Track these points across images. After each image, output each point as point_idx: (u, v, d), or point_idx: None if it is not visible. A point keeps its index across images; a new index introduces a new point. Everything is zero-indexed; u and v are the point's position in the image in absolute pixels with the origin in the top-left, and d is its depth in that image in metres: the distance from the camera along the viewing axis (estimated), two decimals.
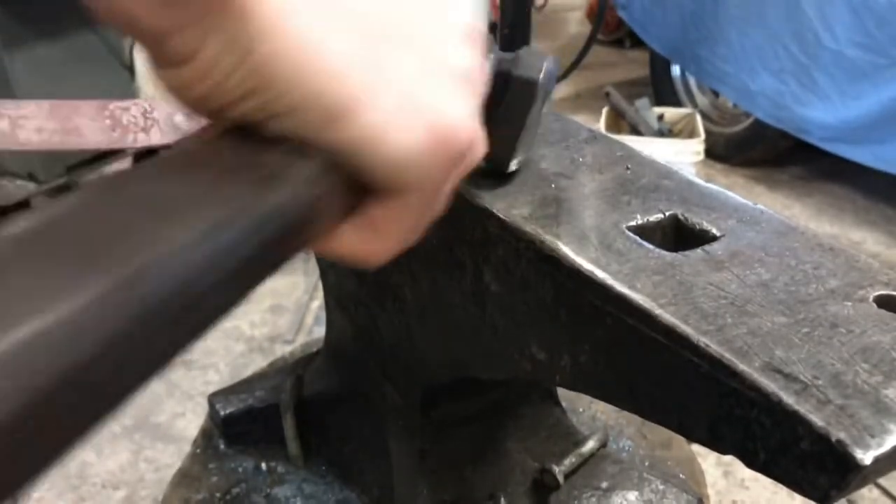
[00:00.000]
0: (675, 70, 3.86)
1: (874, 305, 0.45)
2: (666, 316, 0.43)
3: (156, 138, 0.61)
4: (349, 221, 0.38)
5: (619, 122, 3.32)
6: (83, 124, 0.58)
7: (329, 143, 0.34)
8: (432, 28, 0.38)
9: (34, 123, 0.55)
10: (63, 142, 0.58)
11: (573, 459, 0.85)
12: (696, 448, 1.11)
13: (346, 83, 0.33)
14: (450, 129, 0.36)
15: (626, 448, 0.97)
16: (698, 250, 0.50)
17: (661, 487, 0.86)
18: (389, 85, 0.35)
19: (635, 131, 3.25)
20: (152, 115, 0.60)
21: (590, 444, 0.87)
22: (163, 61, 0.33)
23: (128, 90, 2.95)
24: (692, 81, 3.82)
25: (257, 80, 0.32)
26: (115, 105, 0.60)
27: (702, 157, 2.95)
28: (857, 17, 2.73)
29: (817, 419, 0.36)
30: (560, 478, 0.81)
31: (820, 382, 0.38)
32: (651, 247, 0.50)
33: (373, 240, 0.39)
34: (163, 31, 0.32)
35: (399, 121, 0.35)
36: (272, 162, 0.32)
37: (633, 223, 0.53)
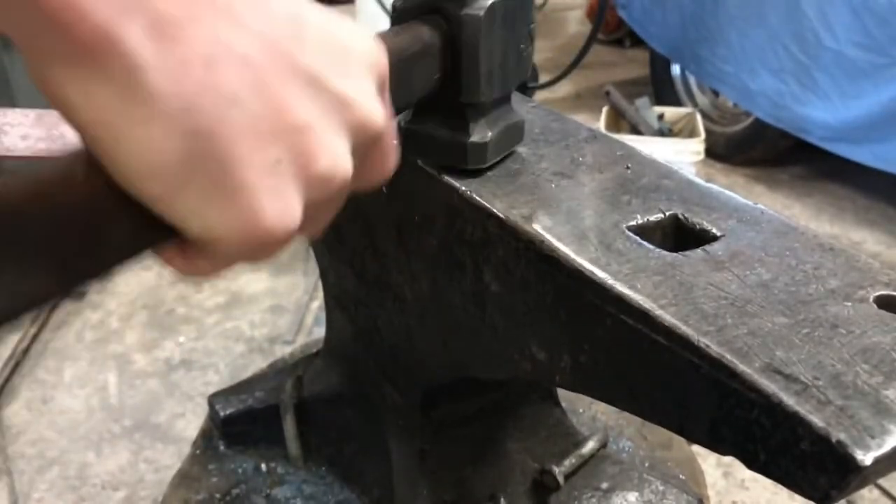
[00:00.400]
0: (675, 69, 3.86)
1: (874, 306, 0.45)
2: (666, 316, 0.43)
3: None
4: (169, 246, 0.38)
5: (620, 121, 3.31)
6: (69, 133, 0.57)
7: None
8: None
9: (19, 131, 0.55)
10: (48, 150, 0.57)
11: (573, 460, 0.85)
12: (697, 449, 1.11)
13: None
14: (263, 232, 0.36)
15: (627, 449, 0.97)
16: (698, 250, 0.50)
17: (661, 488, 0.86)
18: (232, 193, 0.34)
19: (635, 131, 3.25)
20: None
21: (590, 445, 0.87)
22: None
23: None
24: (692, 81, 3.82)
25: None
26: None
27: (702, 156, 2.95)
28: (857, 16, 2.73)
29: (817, 420, 0.36)
30: (560, 478, 0.81)
31: (820, 383, 0.38)
32: (651, 247, 0.50)
33: (183, 262, 0.39)
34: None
35: (223, 210, 0.35)
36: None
37: (633, 223, 0.53)
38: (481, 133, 0.58)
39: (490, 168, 0.60)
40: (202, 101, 0.32)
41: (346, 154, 0.38)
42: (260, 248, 0.37)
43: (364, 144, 0.40)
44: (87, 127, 0.32)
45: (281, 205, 0.36)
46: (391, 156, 0.44)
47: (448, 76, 0.55)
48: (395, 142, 0.44)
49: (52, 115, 0.56)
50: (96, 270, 0.35)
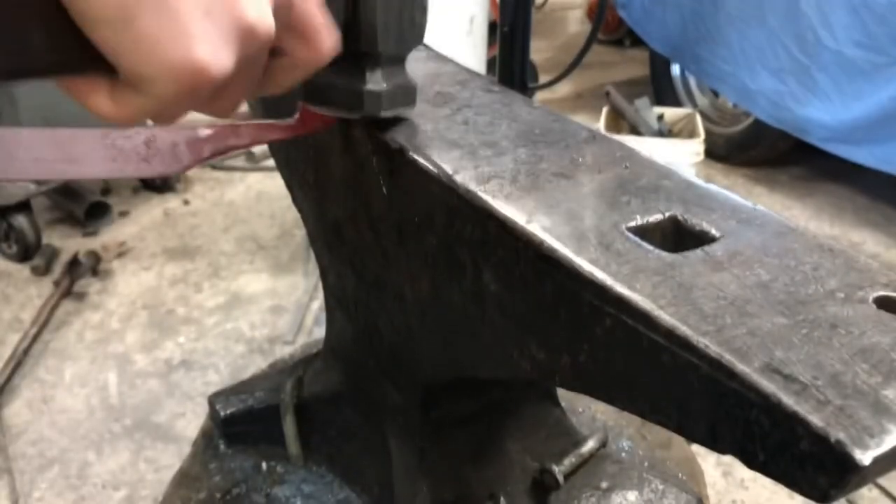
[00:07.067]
0: (675, 70, 3.87)
1: (874, 306, 0.45)
2: (665, 317, 0.43)
3: (158, 169, 0.60)
4: (97, 81, 0.42)
5: (619, 121, 3.32)
6: (83, 154, 0.57)
7: (98, 40, 0.39)
8: None
9: (32, 153, 0.54)
10: (63, 171, 0.57)
11: (573, 459, 0.85)
12: (696, 448, 1.11)
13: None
14: (196, 71, 0.41)
15: (626, 448, 0.97)
16: (698, 251, 0.50)
17: (660, 487, 0.86)
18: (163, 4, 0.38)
19: (635, 131, 3.25)
20: (155, 145, 0.59)
21: (589, 444, 0.87)
22: None
23: None
24: (692, 81, 3.82)
25: None
26: (116, 134, 0.59)
27: (701, 157, 2.95)
28: (856, 16, 2.73)
29: (816, 419, 0.36)
30: (560, 478, 0.82)
31: (819, 383, 0.38)
32: (650, 247, 0.50)
33: (107, 101, 0.43)
34: None
35: (159, 44, 0.39)
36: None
37: (632, 223, 0.53)
38: (377, 83, 0.62)
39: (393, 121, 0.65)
40: None
41: (268, 10, 0.44)
42: (192, 89, 0.42)
43: (285, 6, 0.46)
44: None
45: (212, 48, 0.41)
46: (329, 36, 0.51)
47: (348, 25, 0.59)
48: (330, 27, 0.51)
49: (64, 135, 0.55)
50: (8, 69, 0.39)
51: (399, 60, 0.65)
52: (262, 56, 0.47)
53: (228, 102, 0.48)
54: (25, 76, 0.40)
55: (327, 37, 0.51)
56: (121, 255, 2.89)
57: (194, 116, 0.53)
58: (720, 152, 3.59)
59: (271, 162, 3.25)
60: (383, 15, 0.60)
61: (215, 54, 0.41)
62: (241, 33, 0.42)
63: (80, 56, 0.40)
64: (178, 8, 0.39)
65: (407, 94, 0.66)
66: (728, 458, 0.42)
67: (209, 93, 0.43)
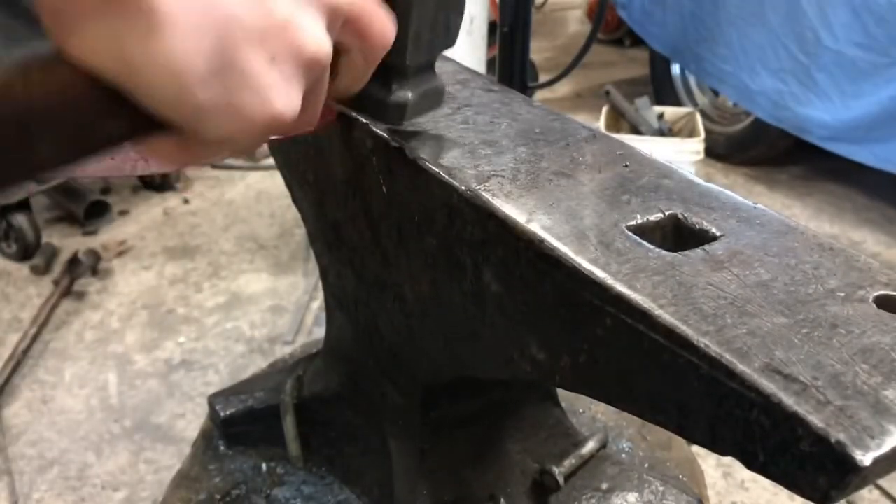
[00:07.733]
0: (675, 69, 3.86)
1: (874, 306, 0.45)
2: (666, 316, 0.43)
3: (155, 166, 0.60)
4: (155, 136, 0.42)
5: (619, 121, 3.31)
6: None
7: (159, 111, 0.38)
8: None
9: None
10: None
11: (573, 460, 0.85)
12: (696, 449, 1.11)
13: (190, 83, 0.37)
14: (274, 119, 0.41)
15: (626, 449, 0.97)
16: (698, 250, 0.50)
17: (660, 489, 0.86)
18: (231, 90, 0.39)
19: (635, 130, 3.25)
20: None
21: (590, 446, 0.87)
22: None
23: None
24: (692, 80, 3.82)
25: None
26: None
27: (702, 156, 2.94)
28: (856, 16, 2.73)
29: (817, 420, 0.36)
30: (560, 479, 0.81)
31: (819, 383, 0.38)
32: (651, 246, 0.50)
33: (179, 153, 0.43)
34: None
35: (240, 109, 0.39)
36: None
37: (632, 223, 0.53)
38: (402, 94, 0.60)
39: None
40: (208, 20, 0.37)
41: (325, 34, 0.43)
42: (268, 134, 0.42)
43: (338, 17, 0.45)
44: (118, 71, 0.36)
45: (285, 94, 0.41)
46: (383, 23, 0.49)
47: None
48: (382, 14, 0.49)
49: None
50: (85, 156, 0.40)
51: (429, 66, 0.63)
52: (327, 73, 0.46)
53: (303, 123, 0.48)
54: (100, 151, 0.40)
55: (383, 22, 0.50)
56: (121, 254, 2.89)
57: None
58: (720, 151, 3.58)
59: (271, 161, 3.25)
60: (416, 25, 0.57)
61: (288, 98, 0.41)
62: (305, 67, 0.42)
63: (142, 123, 0.39)
64: (245, 68, 0.38)
65: (433, 97, 0.65)
66: (728, 460, 0.42)
67: (280, 132, 0.43)
